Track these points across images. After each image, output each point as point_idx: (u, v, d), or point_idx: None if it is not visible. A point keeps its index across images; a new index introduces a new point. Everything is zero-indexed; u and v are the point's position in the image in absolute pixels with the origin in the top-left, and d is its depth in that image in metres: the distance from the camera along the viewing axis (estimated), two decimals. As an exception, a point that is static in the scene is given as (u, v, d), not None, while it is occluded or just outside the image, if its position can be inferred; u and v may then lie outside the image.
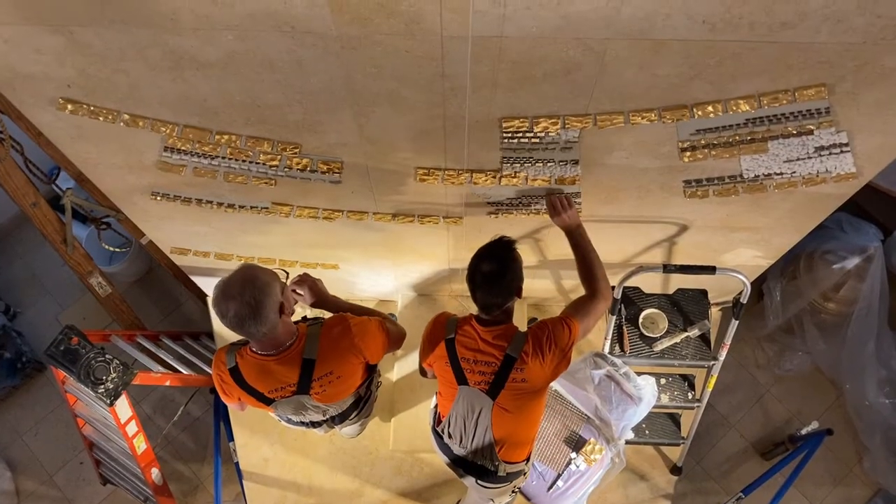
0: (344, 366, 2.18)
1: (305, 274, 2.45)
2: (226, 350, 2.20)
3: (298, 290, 2.38)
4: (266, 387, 2.13)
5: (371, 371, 2.48)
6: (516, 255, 2.18)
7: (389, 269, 3.44)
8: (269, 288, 1.92)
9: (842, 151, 2.20)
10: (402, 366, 3.68)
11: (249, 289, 1.88)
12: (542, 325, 2.22)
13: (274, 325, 1.97)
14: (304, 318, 2.39)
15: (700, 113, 2.04)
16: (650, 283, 3.31)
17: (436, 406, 2.59)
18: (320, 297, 2.42)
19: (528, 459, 2.52)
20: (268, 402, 2.18)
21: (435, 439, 2.61)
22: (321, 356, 2.10)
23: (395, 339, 2.39)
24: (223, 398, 2.31)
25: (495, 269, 2.11)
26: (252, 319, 1.89)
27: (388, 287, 3.73)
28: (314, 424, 2.49)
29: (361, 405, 2.53)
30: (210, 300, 1.95)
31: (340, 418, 2.47)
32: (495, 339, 2.21)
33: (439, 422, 2.52)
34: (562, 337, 2.19)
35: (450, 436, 2.47)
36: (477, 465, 2.46)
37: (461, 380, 2.28)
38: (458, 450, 2.49)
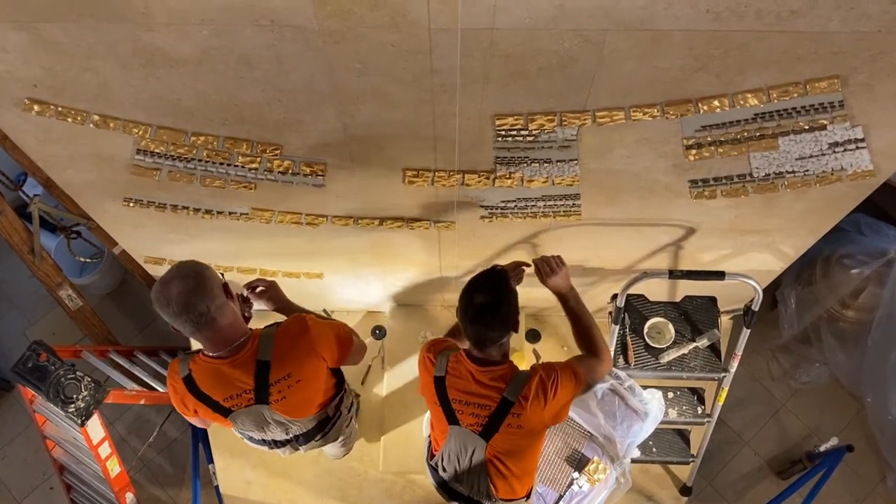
0: (302, 368, 2.14)
1: (258, 279, 2.43)
2: (179, 360, 2.18)
3: (253, 299, 2.37)
4: (221, 394, 2.12)
5: (339, 388, 2.45)
6: (511, 285, 2.18)
7: (377, 277, 3.43)
8: (207, 268, 1.98)
9: (857, 147, 2.21)
10: (391, 380, 3.66)
11: (185, 267, 1.95)
12: (550, 368, 2.18)
13: (222, 305, 1.97)
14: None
15: (705, 108, 2.05)
16: (655, 290, 3.30)
17: (430, 435, 2.57)
18: (279, 302, 2.43)
19: (528, 496, 2.49)
20: (225, 412, 2.16)
21: (430, 473, 2.59)
22: (277, 357, 2.08)
23: (356, 349, 2.37)
24: (180, 411, 2.27)
25: (490, 301, 2.08)
26: (197, 293, 1.90)
27: (377, 297, 3.72)
28: (277, 444, 2.46)
29: (328, 427, 2.49)
30: (154, 303, 1.96)
31: (304, 438, 2.44)
32: (492, 380, 2.16)
33: (432, 455, 2.50)
34: (567, 386, 2.15)
35: (444, 470, 2.45)
36: (474, 501, 2.45)
37: (452, 420, 2.26)
38: (454, 485, 2.46)
